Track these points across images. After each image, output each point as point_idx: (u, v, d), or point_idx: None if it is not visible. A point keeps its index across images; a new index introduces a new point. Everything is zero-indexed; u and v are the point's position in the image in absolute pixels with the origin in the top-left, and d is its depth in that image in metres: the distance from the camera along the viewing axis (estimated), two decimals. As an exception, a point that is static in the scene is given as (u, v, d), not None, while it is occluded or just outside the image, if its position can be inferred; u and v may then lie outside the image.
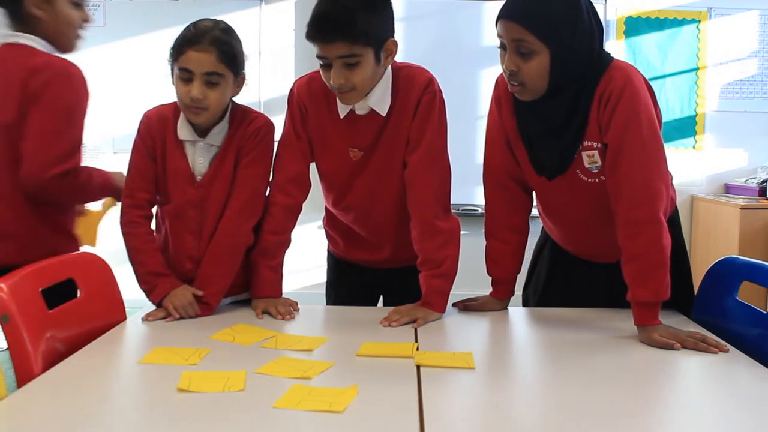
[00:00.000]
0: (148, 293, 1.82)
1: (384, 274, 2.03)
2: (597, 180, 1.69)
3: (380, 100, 1.79)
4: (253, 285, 1.88)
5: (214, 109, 1.78)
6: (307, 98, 1.85)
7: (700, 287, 1.83)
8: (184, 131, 1.83)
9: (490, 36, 4.53)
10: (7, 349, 1.43)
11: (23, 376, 1.39)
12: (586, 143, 1.66)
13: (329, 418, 1.19)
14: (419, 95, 1.80)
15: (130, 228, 1.84)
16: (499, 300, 1.90)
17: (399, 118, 1.81)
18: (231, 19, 4.69)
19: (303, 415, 1.21)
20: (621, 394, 1.33)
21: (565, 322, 1.77)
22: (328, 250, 2.16)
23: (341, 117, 1.82)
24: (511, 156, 1.82)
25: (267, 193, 1.91)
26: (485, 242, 1.91)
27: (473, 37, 4.54)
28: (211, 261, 1.84)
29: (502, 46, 1.63)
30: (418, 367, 1.43)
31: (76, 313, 1.65)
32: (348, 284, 2.10)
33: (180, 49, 1.73)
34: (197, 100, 1.73)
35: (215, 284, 1.83)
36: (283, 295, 1.91)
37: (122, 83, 4.34)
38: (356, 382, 1.33)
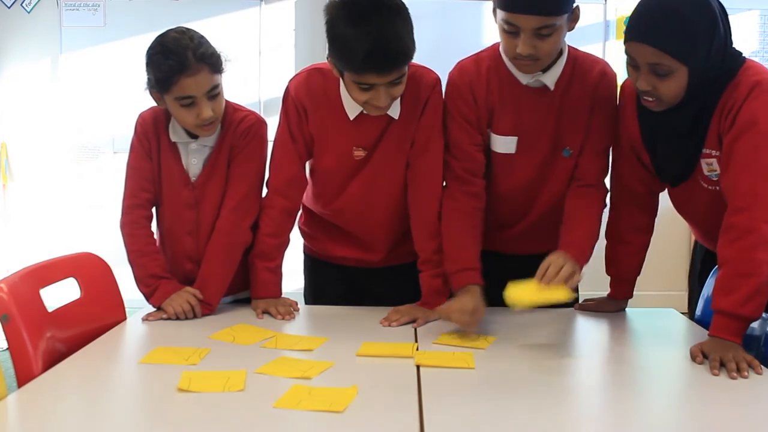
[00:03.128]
0: (149, 296, 1.81)
1: (371, 275, 1.97)
2: (717, 188, 1.63)
3: (393, 105, 1.76)
4: (252, 286, 1.88)
5: (221, 115, 1.79)
6: (306, 98, 1.80)
7: (702, 287, 1.83)
8: (176, 133, 1.82)
9: (490, 35, 4.53)
10: (7, 349, 1.43)
11: (23, 376, 1.39)
12: (705, 151, 1.61)
13: (329, 418, 1.19)
14: (427, 95, 1.78)
15: (132, 229, 1.83)
16: (614, 300, 1.88)
17: (406, 117, 1.78)
18: (231, 19, 4.68)
19: (303, 415, 1.21)
20: (620, 394, 1.33)
21: (567, 323, 1.76)
22: (304, 253, 2.09)
23: (351, 119, 1.78)
24: (636, 160, 1.76)
25: (263, 193, 1.90)
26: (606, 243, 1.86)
27: (474, 36, 4.53)
28: (210, 261, 1.84)
29: (633, 65, 1.55)
30: (418, 367, 1.44)
31: (76, 313, 1.65)
32: (329, 289, 2.02)
33: (170, 80, 1.68)
34: (211, 118, 1.73)
35: (215, 284, 1.83)
36: (283, 295, 1.91)
37: (122, 83, 4.33)
38: (356, 382, 1.33)
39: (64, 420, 1.20)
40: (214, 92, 1.73)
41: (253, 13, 4.47)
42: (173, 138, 1.83)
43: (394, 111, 1.77)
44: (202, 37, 1.74)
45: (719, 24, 1.52)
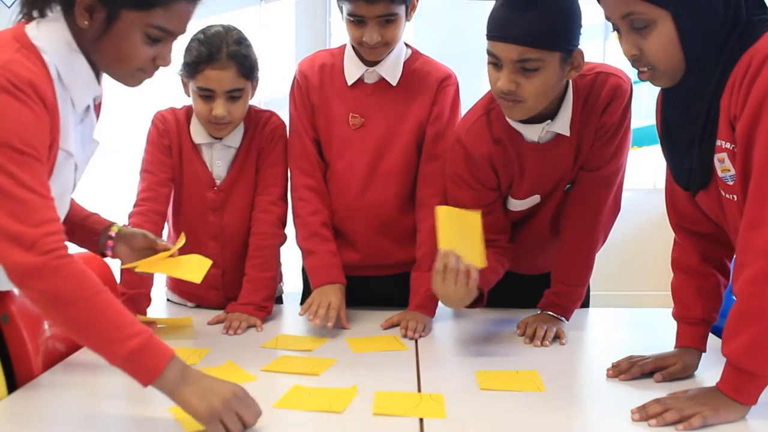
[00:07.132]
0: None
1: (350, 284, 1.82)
2: (735, 197, 1.22)
3: (391, 68, 1.76)
4: (310, 275, 1.81)
5: (237, 122, 1.76)
6: (309, 70, 1.81)
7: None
8: (199, 135, 1.79)
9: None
10: (7, 348, 1.42)
11: (23, 376, 1.39)
12: (716, 143, 1.22)
13: (329, 418, 1.19)
14: (436, 85, 1.77)
15: (139, 220, 1.74)
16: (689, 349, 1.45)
17: (407, 93, 1.77)
18: (231, 18, 4.70)
19: (303, 415, 1.21)
20: (623, 394, 1.33)
21: (569, 323, 1.76)
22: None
23: (349, 84, 1.78)
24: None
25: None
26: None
27: (482, 36, 4.51)
28: (261, 265, 1.79)
29: (615, 28, 1.25)
30: (418, 368, 1.44)
31: (76, 313, 1.65)
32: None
33: (196, 66, 1.67)
34: (222, 117, 1.70)
35: (268, 288, 1.79)
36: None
37: (121, 83, 4.33)
38: (357, 381, 1.33)
39: (63, 420, 1.20)
40: (235, 94, 1.70)
41: (253, 13, 4.47)
42: (196, 140, 1.79)
43: (392, 76, 1.76)
44: (246, 40, 1.73)
45: None
